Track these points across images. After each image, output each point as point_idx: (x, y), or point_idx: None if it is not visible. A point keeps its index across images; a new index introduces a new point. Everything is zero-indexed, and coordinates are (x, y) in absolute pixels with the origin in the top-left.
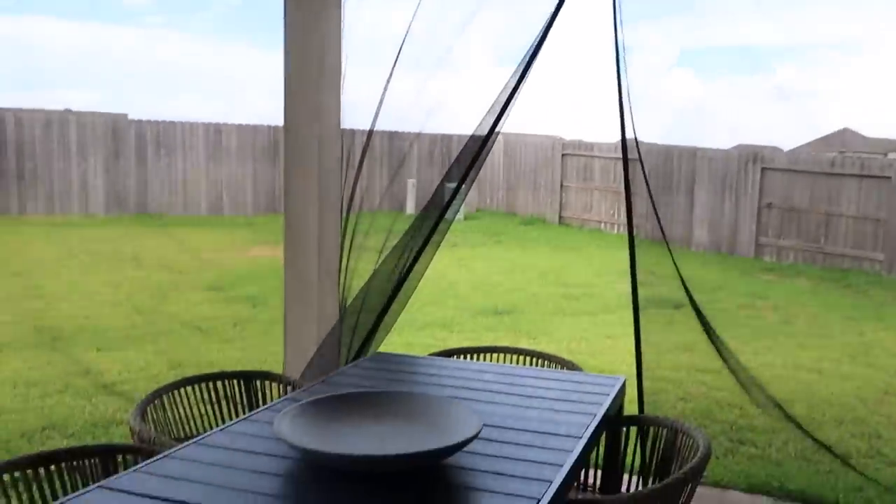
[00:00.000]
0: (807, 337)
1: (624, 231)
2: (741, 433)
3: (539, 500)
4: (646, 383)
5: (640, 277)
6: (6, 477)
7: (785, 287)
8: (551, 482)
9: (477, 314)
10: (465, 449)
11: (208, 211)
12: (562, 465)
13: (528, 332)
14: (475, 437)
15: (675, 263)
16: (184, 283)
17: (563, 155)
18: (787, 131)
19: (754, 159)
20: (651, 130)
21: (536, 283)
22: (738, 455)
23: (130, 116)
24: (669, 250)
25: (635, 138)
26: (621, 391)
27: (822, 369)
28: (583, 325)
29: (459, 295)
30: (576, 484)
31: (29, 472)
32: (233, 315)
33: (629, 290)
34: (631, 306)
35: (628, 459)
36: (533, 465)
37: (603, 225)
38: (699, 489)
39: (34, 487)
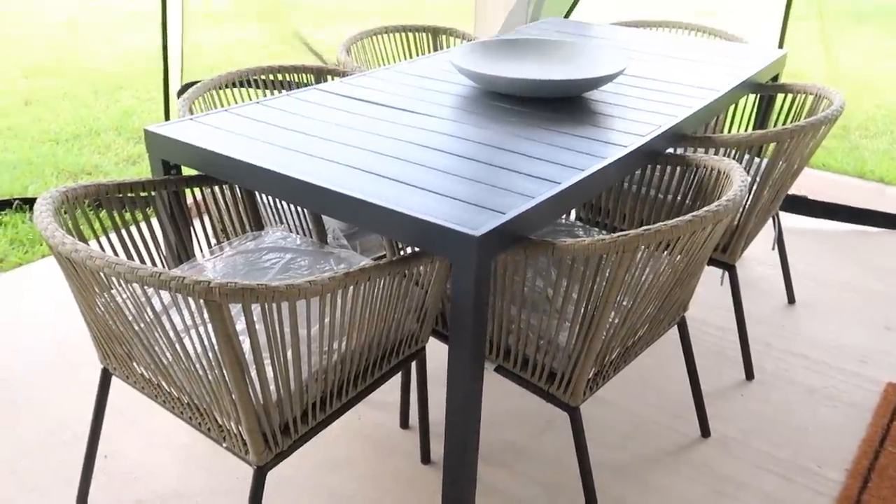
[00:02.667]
0: None
1: None
2: None
3: (666, 124)
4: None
5: None
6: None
7: None
8: (677, 116)
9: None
10: (610, 89)
11: None
12: (691, 107)
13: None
14: (619, 73)
15: None
16: None
17: None
18: None
19: None
20: None
21: None
22: None
23: None
24: None
25: None
26: (779, 62)
27: None
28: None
29: None
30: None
31: (262, 76)
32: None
33: None
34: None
35: (771, 120)
36: (668, 105)
37: None
38: (860, 182)
39: (262, 89)
